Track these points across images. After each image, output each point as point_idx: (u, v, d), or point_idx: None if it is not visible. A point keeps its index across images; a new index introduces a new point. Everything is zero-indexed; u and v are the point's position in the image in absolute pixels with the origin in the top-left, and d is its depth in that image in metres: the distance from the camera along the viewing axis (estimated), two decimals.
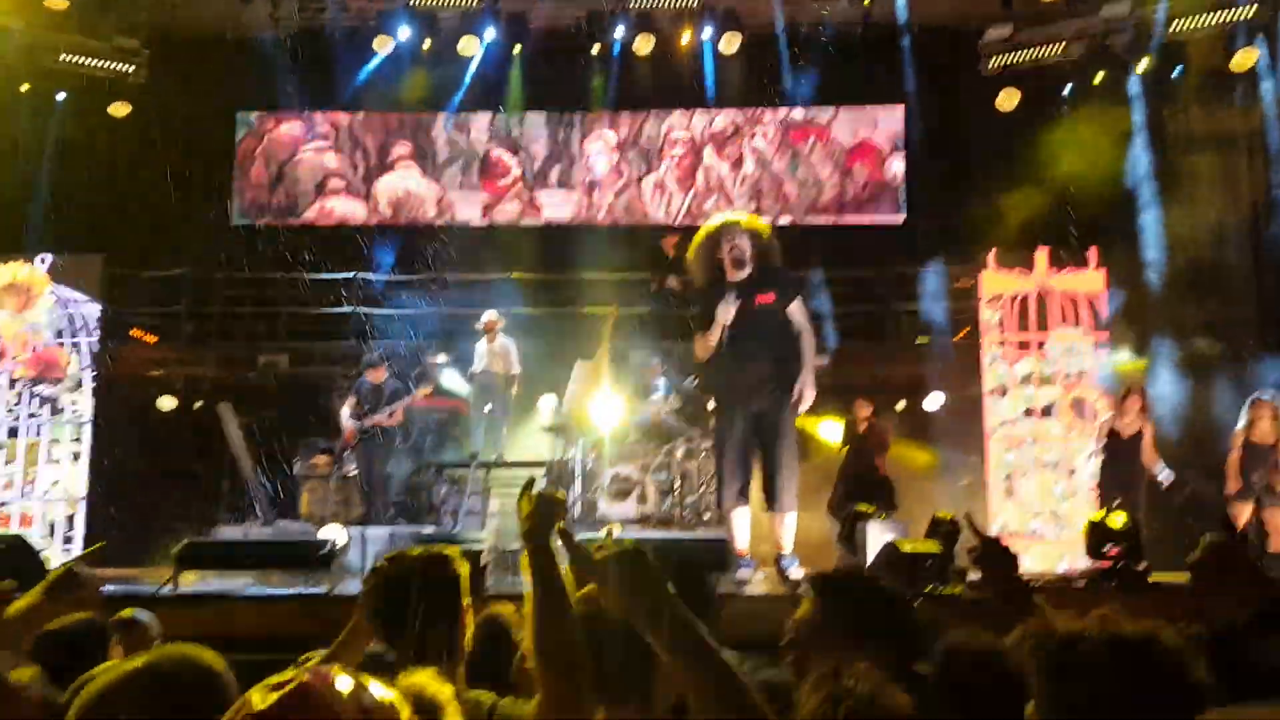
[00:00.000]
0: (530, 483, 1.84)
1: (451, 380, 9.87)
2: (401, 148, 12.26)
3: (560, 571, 1.71)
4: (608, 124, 12.13)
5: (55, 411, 9.67)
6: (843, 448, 8.95)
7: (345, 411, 8.65)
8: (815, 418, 9.16)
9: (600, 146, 12.15)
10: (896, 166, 11.57)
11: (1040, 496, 9.23)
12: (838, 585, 1.82)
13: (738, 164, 11.92)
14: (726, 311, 5.77)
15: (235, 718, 1.05)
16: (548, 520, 1.73)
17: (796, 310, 5.99)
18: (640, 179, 12.02)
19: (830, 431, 9.09)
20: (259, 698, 1.06)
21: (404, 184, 12.19)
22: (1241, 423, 7.49)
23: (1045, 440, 9.37)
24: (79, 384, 9.83)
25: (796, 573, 5.83)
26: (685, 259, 6.34)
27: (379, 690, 1.13)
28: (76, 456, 9.41)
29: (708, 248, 6.06)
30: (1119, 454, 7.81)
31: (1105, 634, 1.43)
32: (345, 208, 12.20)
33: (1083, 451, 8.31)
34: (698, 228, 6.30)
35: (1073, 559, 8.69)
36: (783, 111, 11.84)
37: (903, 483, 8.69)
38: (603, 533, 7.65)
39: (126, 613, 3.68)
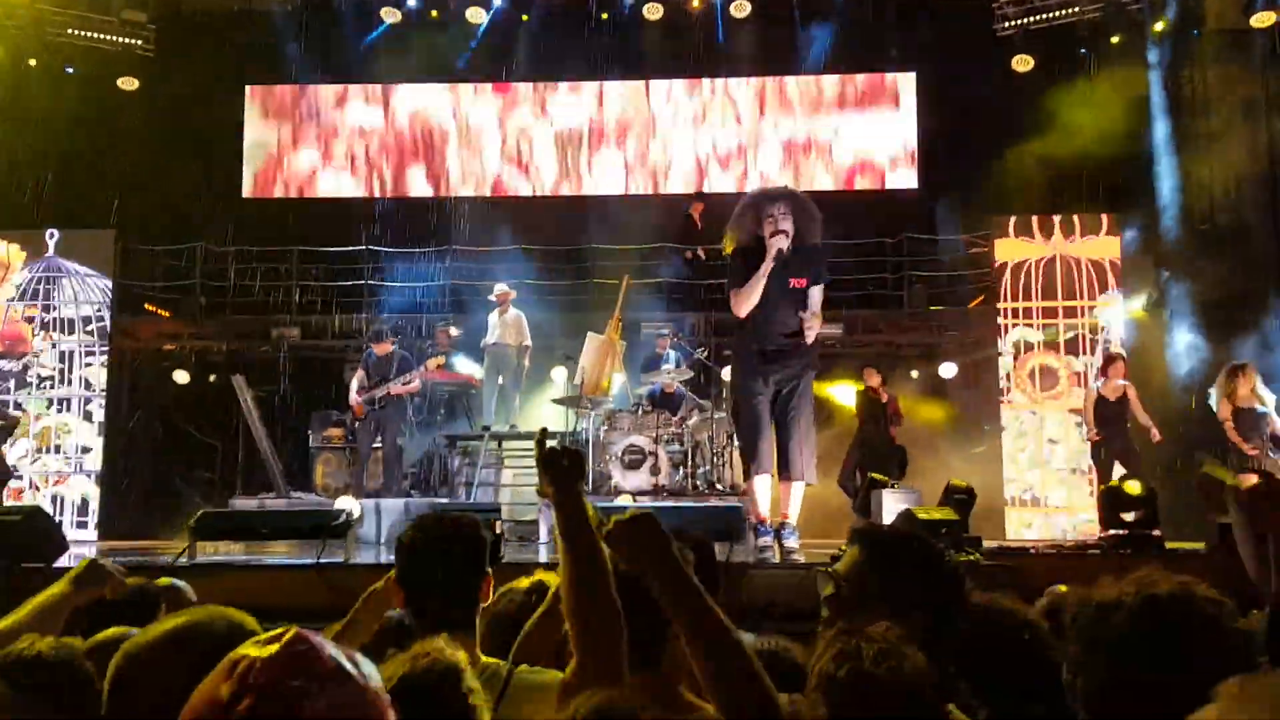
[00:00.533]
0: (543, 436, 1.77)
1: (463, 363, 9.85)
2: (416, 171, 12.17)
3: (593, 529, 1.67)
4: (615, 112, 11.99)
5: (21, 385, 9.75)
6: (854, 417, 8.94)
7: (353, 385, 8.66)
8: (831, 383, 9.16)
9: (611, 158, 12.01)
10: (910, 133, 11.45)
11: (1042, 463, 9.26)
12: (889, 544, 1.78)
13: (756, 130, 11.80)
14: (765, 273, 5.72)
15: (233, 670, 1.04)
16: (572, 473, 1.69)
17: (816, 294, 5.96)
18: (654, 143, 11.93)
19: (841, 392, 9.11)
20: (261, 650, 1.05)
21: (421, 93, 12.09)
22: (1221, 391, 7.31)
23: (1052, 407, 9.37)
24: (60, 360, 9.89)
25: (793, 543, 5.82)
26: (726, 225, 6.25)
27: (369, 667, 1.12)
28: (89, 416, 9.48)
29: (751, 215, 6.00)
30: (1108, 417, 7.87)
31: (1140, 596, 1.41)
32: (363, 117, 12.10)
33: (1055, 421, 8.32)
34: (724, 195, 6.26)
35: (1080, 525, 8.70)
36: (797, 78, 11.71)
37: (918, 449, 8.67)
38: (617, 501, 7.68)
39: (165, 581, 3.68)
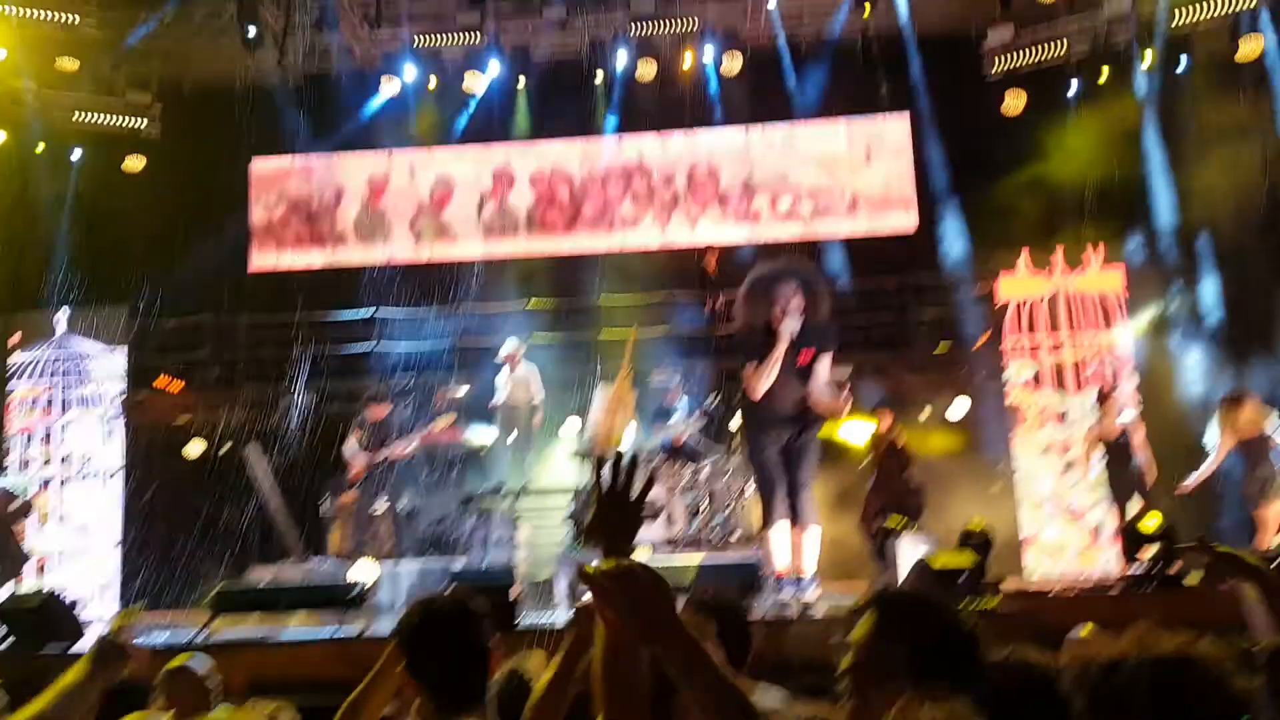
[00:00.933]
0: (597, 458, 1.61)
1: (478, 433, 9.90)
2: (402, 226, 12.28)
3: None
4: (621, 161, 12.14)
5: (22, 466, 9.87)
6: (868, 459, 8.92)
7: (351, 445, 8.68)
8: (836, 423, 9.15)
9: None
10: (906, 174, 11.56)
11: (1057, 499, 9.23)
12: (902, 611, 1.76)
13: (750, 179, 11.91)
14: (777, 359, 5.84)
15: None
16: (627, 532, 1.55)
17: (824, 363, 6.05)
18: (652, 198, 12.04)
19: (853, 433, 9.07)
20: None
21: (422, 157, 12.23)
22: (1223, 424, 7.22)
23: (1065, 445, 9.36)
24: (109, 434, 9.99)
25: (811, 596, 5.82)
26: (736, 303, 6.37)
27: None
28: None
29: (761, 298, 6.10)
30: (1115, 458, 7.82)
31: (1143, 656, 1.42)
32: (367, 183, 12.22)
33: (1095, 456, 8.30)
34: (732, 247, 6.31)
35: (1098, 564, 8.64)
36: (791, 125, 11.85)
37: (931, 490, 8.66)
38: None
39: (176, 662, 3.67)
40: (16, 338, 10.45)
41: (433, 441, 9.27)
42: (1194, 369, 9.34)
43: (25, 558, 8.60)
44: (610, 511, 1.56)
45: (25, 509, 8.74)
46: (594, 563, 1.47)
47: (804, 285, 6.05)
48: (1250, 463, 7.12)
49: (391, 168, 12.30)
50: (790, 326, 5.90)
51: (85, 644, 6.11)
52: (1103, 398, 8.14)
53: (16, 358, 10.52)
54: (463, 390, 10.23)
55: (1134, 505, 7.56)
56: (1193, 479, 7.37)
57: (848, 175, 11.67)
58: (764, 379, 5.93)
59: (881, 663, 1.67)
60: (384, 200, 12.28)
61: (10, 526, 8.53)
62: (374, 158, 12.26)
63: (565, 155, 12.21)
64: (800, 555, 6.01)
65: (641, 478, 1.55)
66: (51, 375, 10.34)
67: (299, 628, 6.01)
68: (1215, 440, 7.31)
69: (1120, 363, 9.49)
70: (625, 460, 1.57)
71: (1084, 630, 3.43)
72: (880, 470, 8.63)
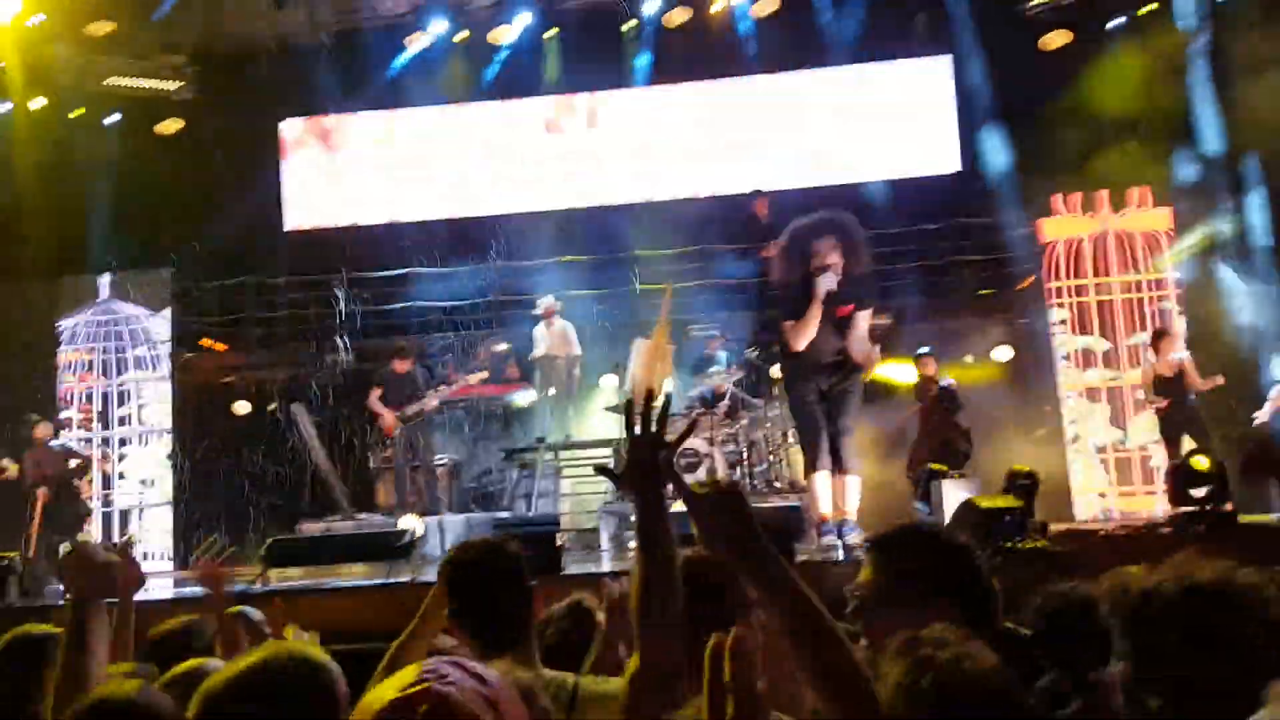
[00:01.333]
0: (629, 404, 1.62)
1: (521, 396, 9.97)
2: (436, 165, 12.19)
3: (670, 527, 1.59)
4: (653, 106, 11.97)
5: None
6: (914, 406, 8.85)
7: (374, 398, 8.76)
8: (884, 363, 9.08)
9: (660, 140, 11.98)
10: (949, 117, 11.31)
11: (1106, 441, 9.12)
12: (895, 543, 1.74)
13: (792, 127, 11.70)
14: (815, 314, 5.82)
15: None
16: (662, 469, 1.56)
17: (863, 318, 6.00)
18: (692, 144, 11.89)
19: (896, 372, 8.99)
20: (390, 694, 1.08)
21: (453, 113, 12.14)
22: None
23: (1113, 386, 9.22)
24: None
25: (855, 538, 5.81)
26: (774, 257, 6.32)
27: (486, 670, 1.16)
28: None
29: (798, 251, 6.05)
30: (1169, 395, 7.72)
31: (1180, 583, 1.39)
32: (398, 140, 12.15)
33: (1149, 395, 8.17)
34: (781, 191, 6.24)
35: (1149, 505, 8.54)
36: (830, 71, 11.61)
37: (976, 437, 8.57)
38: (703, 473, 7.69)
39: (234, 609, 3.77)
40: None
41: (466, 395, 9.34)
42: (1243, 298, 9.15)
43: (87, 512, 8.84)
44: (643, 455, 1.57)
45: (85, 466, 8.97)
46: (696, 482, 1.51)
47: (842, 239, 5.98)
48: None
49: (422, 124, 12.26)
50: (828, 283, 5.85)
51: (144, 594, 6.26)
52: (1157, 336, 8.04)
53: (63, 323, 10.71)
54: (503, 345, 10.28)
55: (1186, 445, 7.45)
56: (1267, 408, 7.41)
57: (890, 117, 11.44)
58: (803, 335, 5.91)
59: (887, 599, 1.65)
60: (416, 156, 12.25)
61: (72, 483, 8.77)
62: (405, 114, 12.21)
63: (597, 107, 12.08)
64: (844, 500, 6.00)
65: (675, 423, 1.60)
66: (98, 339, 10.52)
67: (349, 578, 6.12)
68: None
69: (1170, 301, 9.29)
70: (657, 405, 1.58)
71: (1132, 569, 3.37)
72: (926, 417, 8.56)
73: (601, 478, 8.85)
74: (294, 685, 1.43)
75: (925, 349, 8.97)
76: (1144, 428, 8.82)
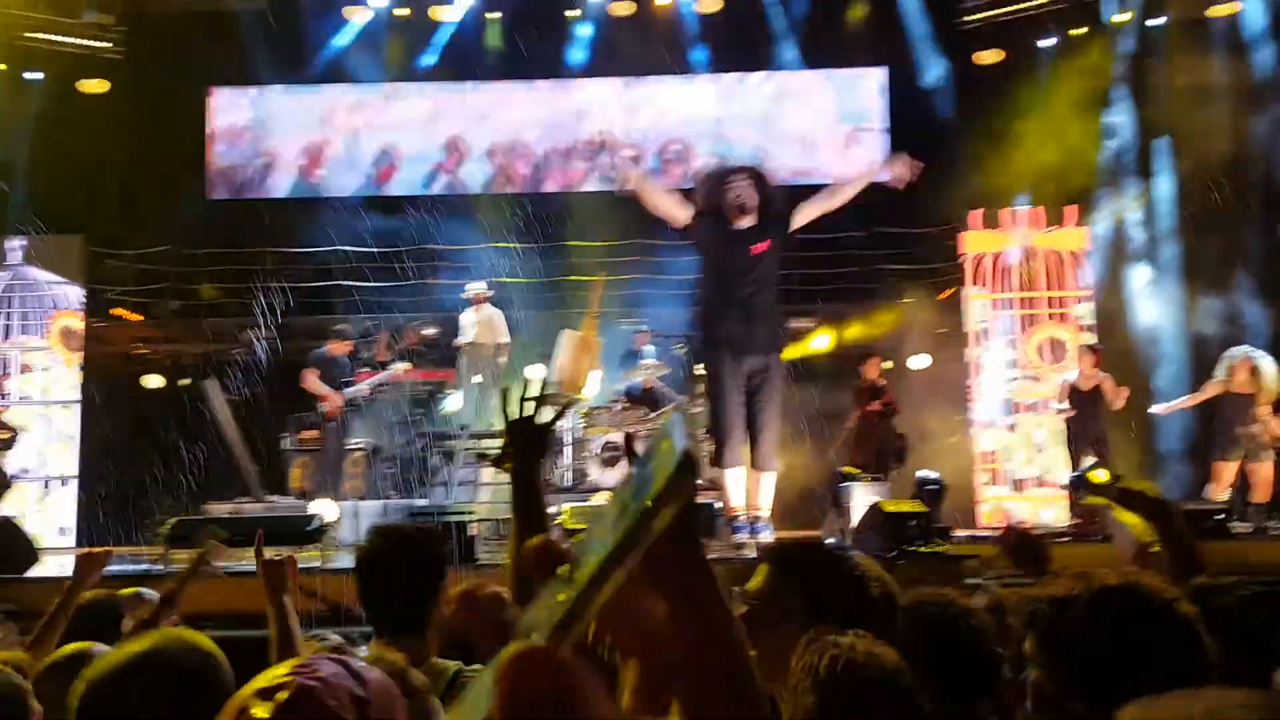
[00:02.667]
0: (506, 392, 1.79)
1: (453, 402, 9.87)
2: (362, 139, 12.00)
3: (542, 504, 1.71)
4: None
5: None
6: (853, 414, 8.93)
7: (316, 384, 8.55)
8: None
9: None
10: (880, 126, 11.50)
11: (1024, 449, 9.36)
12: (791, 557, 1.79)
13: (727, 126, 11.78)
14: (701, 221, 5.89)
15: None
16: (531, 447, 1.71)
17: (802, 212, 6.04)
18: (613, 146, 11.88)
19: (819, 342, 9.10)
20: (258, 708, 1.06)
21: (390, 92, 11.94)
22: (1220, 375, 7.55)
23: (1026, 397, 9.48)
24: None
25: (768, 537, 5.87)
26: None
27: (368, 670, 1.15)
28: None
29: (712, 188, 6.09)
30: (1082, 408, 7.97)
31: (1091, 589, 1.44)
32: (331, 115, 11.98)
33: (1061, 406, 8.43)
34: None
35: (1052, 514, 8.81)
36: (768, 75, 11.72)
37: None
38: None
39: (130, 590, 3.72)
40: None
41: (397, 381, 9.22)
42: (1147, 300, 9.53)
43: (8, 483, 8.55)
44: (519, 437, 1.71)
45: (13, 439, 8.66)
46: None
47: (756, 178, 6.08)
48: (1230, 415, 7.37)
49: (357, 100, 12.05)
50: (743, 221, 5.90)
51: (38, 570, 6.08)
52: (1086, 350, 8.26)
53: None
54: (431, 330, 10.17)
55: (1089, 459, 7.70)
56: (1166, 405, 7.71)
57: (821, 125, 11.59)
58: (670, 202, 5.96)
59: (774, 611, 1.70)
60: (349, 133, 12.04)
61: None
62: (339, 90, 11.98)
63: (534, 94, 12.00)
64: (757, 496, 6.05)
65: (549, 407, 1.71)
66: (2, 306, 10.12)
67: (251, 562, 6.00)
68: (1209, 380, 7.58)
69: (1087, 318, 9.58)
70: (533, 391, 1.76)
71: (997, 588, 3.49)
72: (863, 419, 8.62)
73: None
74: (179, 674, 1.42)
75: (871, 350, 9.04)
76: (1054, 438, 9.05)
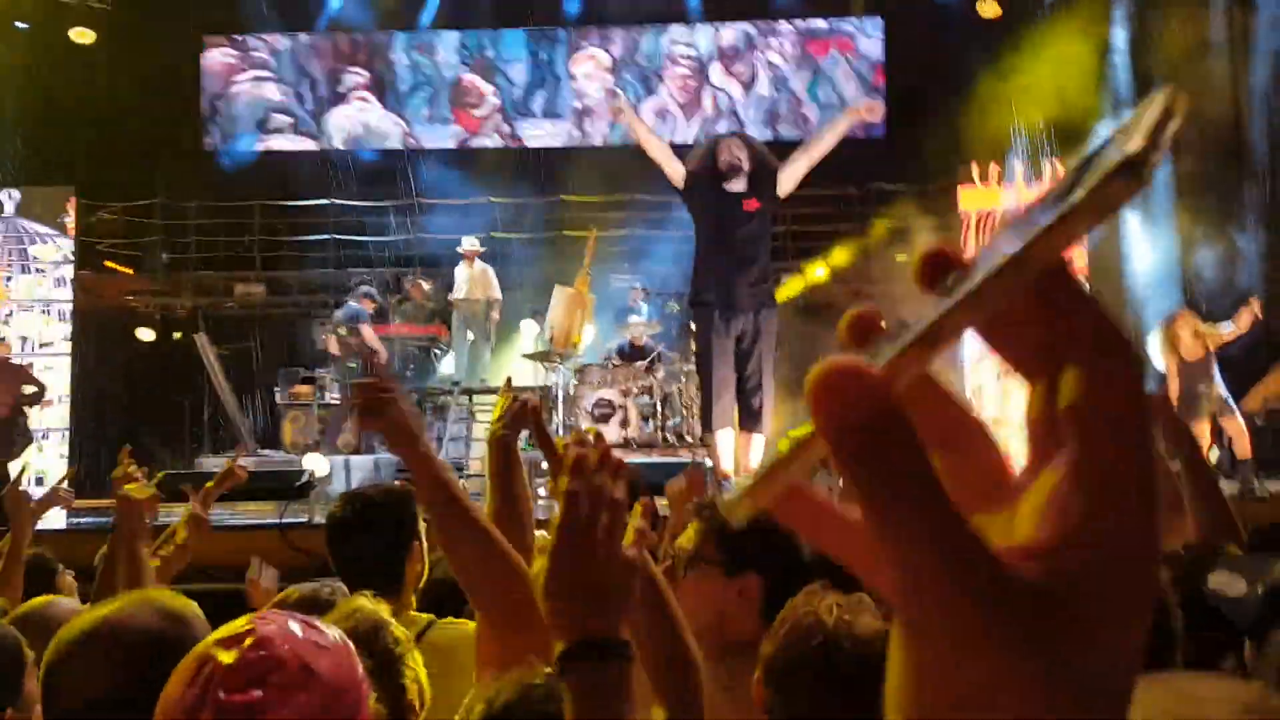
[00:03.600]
0: (509, 381, 1.92)
1: (445, 366, 9.89)
2: (356, 76, 11.73)
3: (521, 474, 1.77)
4: (597, 41, 11.73)
5: None
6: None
7: (369, 332, 8.65)
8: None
9: (590, 68, 11.74)
10: (876, 80, 11.37)
11: (1011, 418, 9.38)
12: (718, 511, 1.81)
13: (750, 83, 11.63)
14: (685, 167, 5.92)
15: (197, 674, 1.06)
16: (518, 420, 1.77)
17: (787, 175, 6.03)
18: (638, 104, 11.75)
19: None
20: (222, 654, 1.06)
21: (360, 117, 11.73)
22: (1164, 346, 7.35)
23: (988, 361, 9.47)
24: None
25: None
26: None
27: (330, 630, 1.16)
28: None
29: (705, 151, 6.13)
30: None
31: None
32: (291, 146, 11.82)
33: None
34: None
35: None
36: (765, 23, 11.56)
37: None
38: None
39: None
40: None
41: (392, 336, 9.24)
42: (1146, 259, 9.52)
43: (29, 439, 8.60)
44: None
45: (39, 394, 8.69)
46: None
47: (747, 141, 6.14)
48: (1188, 383, 7.25)
49: (330, 57, 11.87)
50: (735, 184, 5.90)
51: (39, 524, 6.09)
52: None
53: None
54: (427, 284, 10.14)
55: None
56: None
57: (817, 77, 11.45)
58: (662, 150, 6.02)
59: (700, 563, 1.73)
60: (343, 82, 11.90)
61: (24, 409, 8.53)
62: (309, 44, 11.81)
63: (539, 46, 11.84)
64: (747, 458, 6.06)
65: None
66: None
67: (244, 515, 6.02)
68: (1161, 364, 7.41)
69: (1081, 276, 9.56)
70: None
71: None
72: None
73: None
74: (152, 636, 1.42)
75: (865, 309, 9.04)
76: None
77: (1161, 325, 7.45)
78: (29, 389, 8.56)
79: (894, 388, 0.31)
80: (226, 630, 1.11)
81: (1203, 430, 7.13)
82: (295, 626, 1.13)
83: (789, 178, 6.01)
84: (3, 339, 9.22)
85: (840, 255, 9.35)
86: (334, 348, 8.62)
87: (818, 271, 9.84)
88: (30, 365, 9.11)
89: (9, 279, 10.01)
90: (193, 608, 1.53)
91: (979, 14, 10.33)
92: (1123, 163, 0.30)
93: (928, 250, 0.33)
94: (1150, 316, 8.77)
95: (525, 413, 1.80)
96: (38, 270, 9.96)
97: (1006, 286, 0.32)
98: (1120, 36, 10.11)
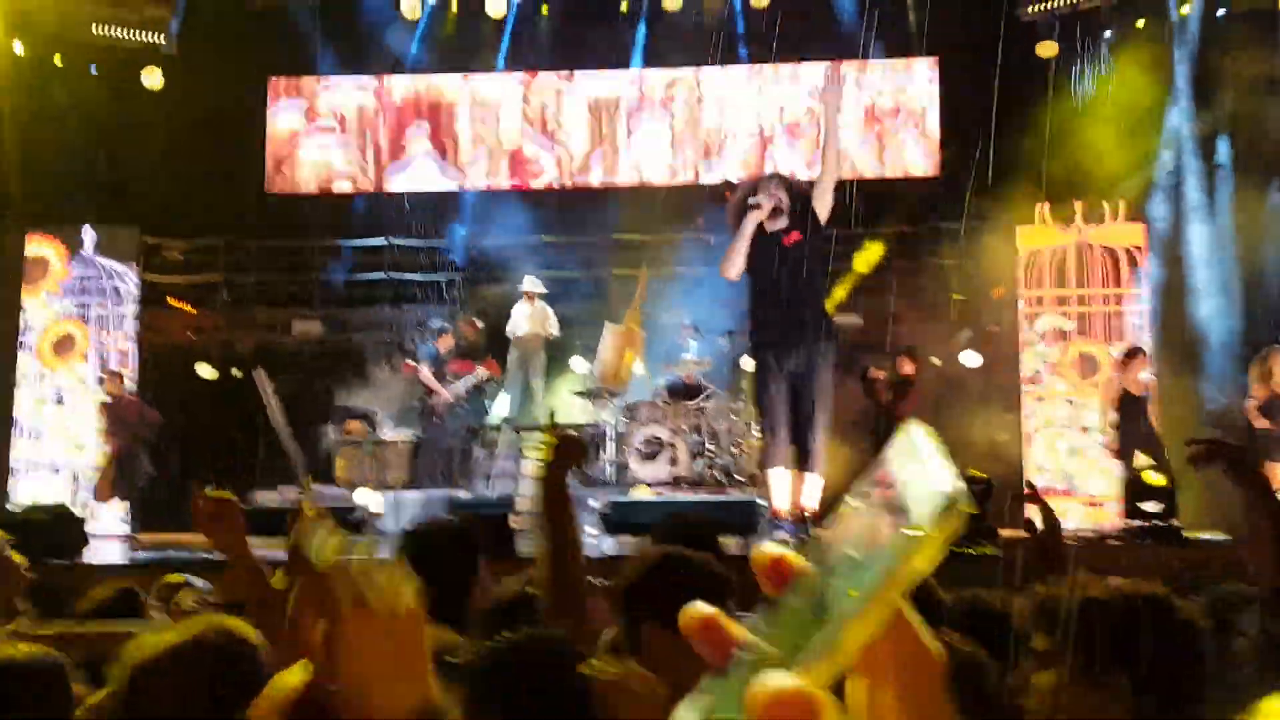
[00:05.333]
0: (552, 417, 1.97)
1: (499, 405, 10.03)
2: (418, 140, 11.97)
3: (573, 511, 1.80)
4: (645, 93, 11.87)
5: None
6: (880, 405, 8.84)
7: (427, 373, 8.77)
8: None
9: (649, 128, 11.84)
10: (932, 118, 11.33)
11: (1049, 454, 9.20)
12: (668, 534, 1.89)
13: (787, 120, 11.71)
14: (745, 233, 5.88)
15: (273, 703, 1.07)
16: (565, 457, 1.84)
17: (821, 203, 5.98)
18: (681, 141, 11.84)
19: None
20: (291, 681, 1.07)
21: (420, 181, 11.91)
22: (1253, 377, 7.38)
23: (1058, 398, 9.32)
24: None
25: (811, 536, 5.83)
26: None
27: None
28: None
29: (745, 190, 6.15)
30: (1132, 413, 7.81)
31: (1107, 592, 1.46)
32: (386, 108, 12.02)
33: (1091, 409, 8.27)
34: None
35: (1103, 517, 8.63)
36: (818, 63, 11.59)
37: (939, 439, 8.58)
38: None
39: (174, 578, 3.73)
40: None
41: (446, 372, 9.34)
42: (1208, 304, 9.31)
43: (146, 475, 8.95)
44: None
45: (155, 428, 8.98)
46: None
47: (784, 181, 6.14)
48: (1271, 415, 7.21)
49: (414, 92, 12.14)
50: (761, 205, 5.89)
51: (89, 556, 6.21)
52: (1130, 354, 8.11)
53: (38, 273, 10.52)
54: (480, 322, 10.24)
55: (1140, 461, 7.53)
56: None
57: (873, 116, 11.45)
58: (733, 257, 5.97)
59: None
60: (403, 127, 12.14)
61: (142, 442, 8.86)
62: (393, 81, 12.10)
63: (585, 86, 12.00)
64: (800, 498, 6.00)
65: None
66: (76, 293, 10.40)
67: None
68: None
69: (1141, 317, 9.36)
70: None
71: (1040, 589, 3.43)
72: (885, 415, 8.52)
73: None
74: (222, 662, 1.43)
75: (905, 349, 8.93)
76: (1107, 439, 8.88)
77: (1258, 358, 7.42)
78: (150, 419, 8.88)
79: (820, 699, 0.39)
80: (294, 674, 1.11)
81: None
82: None
83: (820, 198, 5.98)
84: (117, 373, 9.48)
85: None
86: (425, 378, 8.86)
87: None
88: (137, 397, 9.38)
89: (84, 312, 10.33)
90: (256, 634, 1.54)
91: (1037, 53, 10.25)
92: (951, 501, 0.43)
93: (769, 558, 0.42)
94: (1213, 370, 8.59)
95: (573, 450, 1.82)
96: (116, 306, 10.28)
97: (879, 605, 0.42)
98: (1182, 74, 9.96)
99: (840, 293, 8.19)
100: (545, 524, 1.81)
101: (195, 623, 1.60)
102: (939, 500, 0.43)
